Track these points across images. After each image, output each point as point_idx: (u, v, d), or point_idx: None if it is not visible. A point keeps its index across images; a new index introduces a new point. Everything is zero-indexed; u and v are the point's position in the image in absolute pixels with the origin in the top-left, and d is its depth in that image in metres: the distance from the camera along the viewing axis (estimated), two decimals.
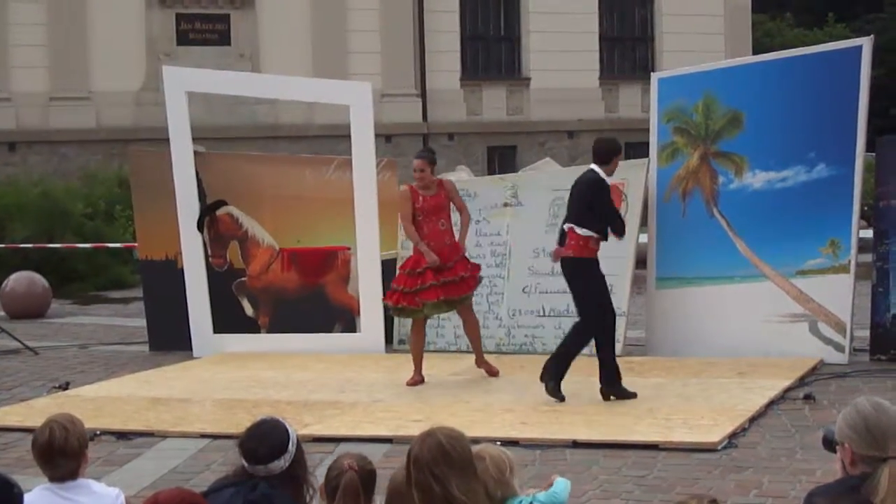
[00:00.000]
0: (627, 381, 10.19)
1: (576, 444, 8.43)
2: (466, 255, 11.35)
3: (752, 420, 9.03)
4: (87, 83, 25.92)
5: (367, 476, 4.46)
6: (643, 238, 12.48)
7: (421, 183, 11.08)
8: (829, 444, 4.13)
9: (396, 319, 13.46)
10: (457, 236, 11.23)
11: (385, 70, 27.74)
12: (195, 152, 13.53)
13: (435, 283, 10.85)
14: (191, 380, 11.61)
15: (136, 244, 15.60)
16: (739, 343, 11.70)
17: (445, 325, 13.16)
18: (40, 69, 25.55)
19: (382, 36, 27.88)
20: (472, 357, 11.68)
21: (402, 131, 27.56)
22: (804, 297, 11.68)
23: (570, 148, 29.15)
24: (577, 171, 12.82)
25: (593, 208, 10.00)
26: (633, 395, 9.86)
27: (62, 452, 4.76)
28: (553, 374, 9.89)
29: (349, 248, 13.30)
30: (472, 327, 11.33)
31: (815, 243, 11.66)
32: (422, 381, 11.00)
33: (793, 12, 42.30)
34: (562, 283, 12.41)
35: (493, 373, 11.24)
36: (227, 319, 13.37)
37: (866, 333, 11.89)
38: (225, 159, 14.77)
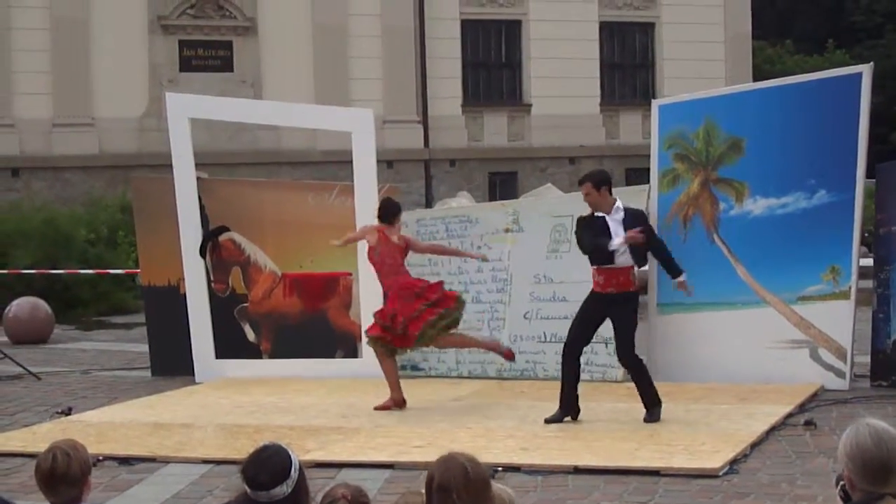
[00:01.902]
0: (629, 407, 10.22)
1: (577, 470, 8.43)
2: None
3: (754, 446, 9.04)
4: (90, 109, 26.02)
5: None
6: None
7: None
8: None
9: None
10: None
11: (387, 96, 27.84)
12: (198, 178, 13.58)
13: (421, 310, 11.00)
14: (193, 405, 11.62)
15: (138, 270, 15.62)
16: (740, 369, 11.71)
17: (447, 351, 13.17)
18: (44, 95, 25.66)
19: (384, 62, 27.99)
20: (473, 382, 11.74)
21: (403, 157, 27.64)
22: (805, 324, 11.71)
23: (571, 174, 29.17)
24: (578, 198, 12.87)
25: None
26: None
27: (64, 479, 4.75)
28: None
29: (351, 274, 13.32)
30: (459, 341, 11.55)
31: (816, 269, 11.69)
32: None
33: (793, 39, 42.42)
34: (563, 308, 12.49)
35: (509, 355, 11.52)
36: (230, 345, 13.39)
37: (867, 360, 11.92)
38: (227, 185, 14.82)
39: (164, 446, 9.62)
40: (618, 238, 10.06)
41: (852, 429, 4.02)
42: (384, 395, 11.84)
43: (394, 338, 11.03)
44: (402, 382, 12.66)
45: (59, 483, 4.75)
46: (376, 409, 11.02)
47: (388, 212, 11.38)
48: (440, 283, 11.43)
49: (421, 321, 10.94)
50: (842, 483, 4.05)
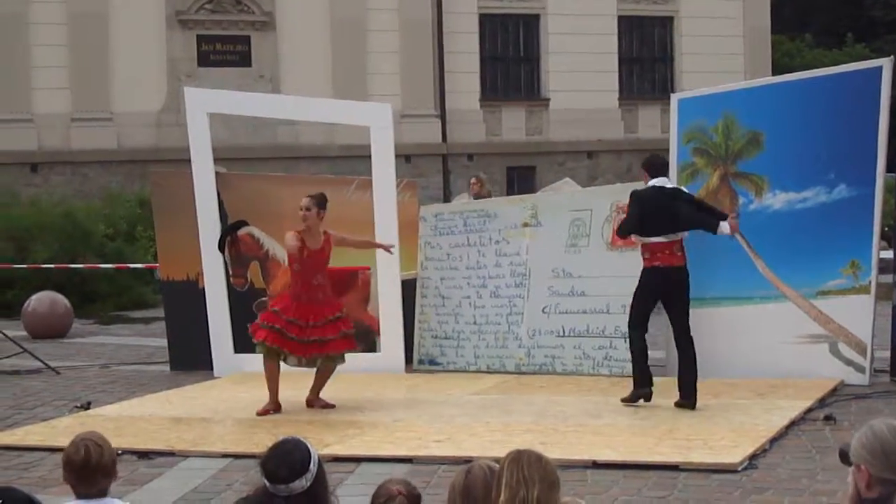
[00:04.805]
0: (649, 402, 10.25)
1: (596, 465, 8.42)
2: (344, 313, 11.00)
3: (773, 441, 9.02)
4: (108, 104, 26.07)
5: (415, 501, 4.48)
6: None
7: (305, 223, 10.73)
8: (848, 458, 4.11)
9: (416, 339, 13.50)
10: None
11: (405, 91, 27.83)
12: (216, 173, 13.59)
13: (297, 340, 10.67)
14: (212, 399, 11.64)
15: (157, 265, 15.66)
16: (759, 364, 11.68)
17: (465, 346, 13.19)
18: (62, 90, 25.71)
19: (402, 57, 27.98)
20: (492, 377, 11.67)
21: (421, 152, 27.63)
22: (824, 318, 11.67)
23: (589, 168, 29.18)
24: (596, 192, 12.85)
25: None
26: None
27: (99, 468, 4.81)
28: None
29: (369, 268, 13.33)
30: (324, 372, 11.01)
31: (836, 264, 11.65)
32: (277, 409, 10.82)
33: (812, 33, 42.26)
34: (581, 303, 12.48)
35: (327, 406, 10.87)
36: (248, 339, 13.35)
37: (887, 354, 11.87)
38: (246, 180, 14.83)
39: (183, 440, 9.65)
40: None
41: (865, 427, 4.05)
42: (401, 389, 11.86)
43: (290, 343, 10.67)
44: (421, 377, 12.70)
45: (94, 473, 4.79)
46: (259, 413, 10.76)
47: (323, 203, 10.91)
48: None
49: (333, 347, 10.74)
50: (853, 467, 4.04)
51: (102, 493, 4.83)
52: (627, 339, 10.82)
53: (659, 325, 12.97)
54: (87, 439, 4.87)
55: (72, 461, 4.83)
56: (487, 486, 4.22)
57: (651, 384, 10.42)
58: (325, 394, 11.00)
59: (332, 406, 10.87)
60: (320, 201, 10.83)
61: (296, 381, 12.39)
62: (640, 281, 10.58)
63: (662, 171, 10.84)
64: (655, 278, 10.45)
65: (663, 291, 10.53)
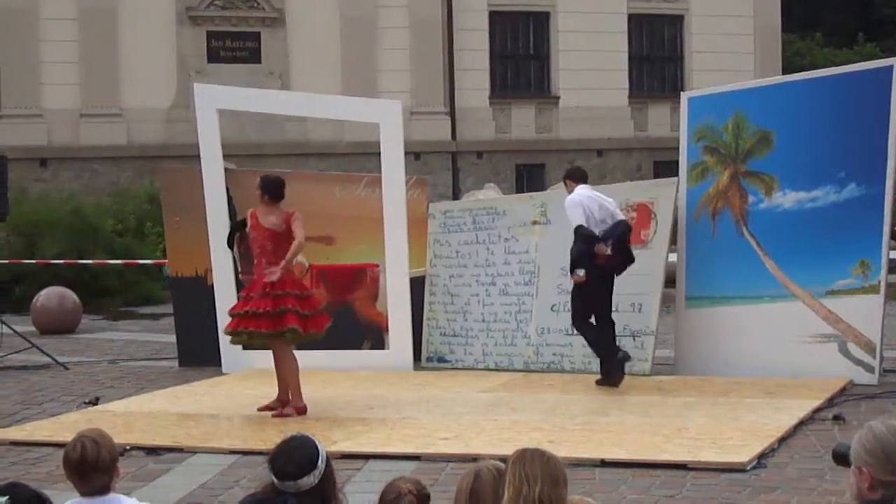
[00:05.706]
0: (657, 401, 10.20)
1: (604, 464, 8.40)
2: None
3: (781, 440, 9.00)
4: (118, 100, 26.09)
5: (424, 500, 4.48)
6: (672, 257, 12.45)
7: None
8: (843, 458, 4.07)
9: (425, 336, 13.48)
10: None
11: (414, 88, 27.81)
12: (225, 169, 13.59)
13: (238, 314, 10.61)
14: (220, 395, 11.64)
15: (166, 261, 15.67)
16: (768, 363, 11.65)
17: (474, 343, 13.17)
18: (71, 86, 25.73)
19: (412, 54, 27.96)
20: (500, 375, 11.62)
21: (431, 149, 27.63)
22: (834, 318, 11.64)
23: (599, 166, 29.12)
24: (605, 190, 12.84)
25: None
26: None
27: (95, 466, 4.78)
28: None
29: (378, 265, 13.32)
30: (281, 365, 10.75)
31: (845, 263, 11.62)
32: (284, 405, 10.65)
33: (823, 32, 42.17)
34: None
35: (292, 413, 10.49)
36: None
37: None
38: (255, 176, 14.79)
39: (191, 436, 9.64)
40: None
41: (864, 429, 4.00)
42: (410, 386, 11.83)
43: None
44: (429, 374, 12.68)
45: (91, 471, 4.77)
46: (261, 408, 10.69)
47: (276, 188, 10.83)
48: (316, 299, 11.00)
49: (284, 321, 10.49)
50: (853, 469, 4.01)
51: (104, 490, 4.81)
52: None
53: (667, 324, 12.97)
54: (85, 437, 4.85)
55: (69, 459, 4.82)
56: (497, 490, 4.22)
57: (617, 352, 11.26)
58: (333, 393, 10.90)
59: (289, 415, 10.48)
60: (263, 185, 10.92)
61: (301, 378, 12.38)
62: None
63: (586, 179, 11.90)
64: (595, 273, 11.22)
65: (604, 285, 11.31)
